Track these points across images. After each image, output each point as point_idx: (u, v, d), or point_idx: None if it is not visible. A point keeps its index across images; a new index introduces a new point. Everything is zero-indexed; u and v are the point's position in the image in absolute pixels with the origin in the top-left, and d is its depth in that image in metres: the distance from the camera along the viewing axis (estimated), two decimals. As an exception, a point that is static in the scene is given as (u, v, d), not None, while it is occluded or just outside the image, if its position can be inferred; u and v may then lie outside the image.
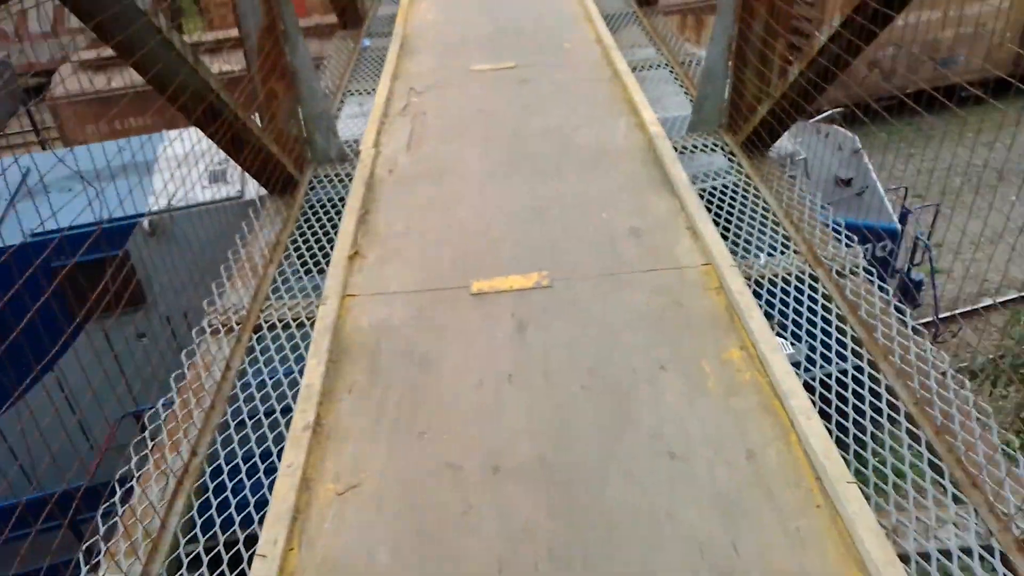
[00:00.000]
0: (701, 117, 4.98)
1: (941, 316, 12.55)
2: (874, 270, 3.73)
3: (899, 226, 10.77)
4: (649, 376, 3.11)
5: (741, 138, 4.73)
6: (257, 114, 4.58)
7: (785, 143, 10.62)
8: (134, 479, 2.73)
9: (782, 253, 3.88)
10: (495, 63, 6.24)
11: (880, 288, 3.63)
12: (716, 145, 4.90)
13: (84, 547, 2.40)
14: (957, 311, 13.91)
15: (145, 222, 6.46)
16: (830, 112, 15.81)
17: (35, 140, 15.24)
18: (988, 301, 14.21)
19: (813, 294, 3.59)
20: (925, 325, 13.30)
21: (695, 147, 4.89)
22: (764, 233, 4.07)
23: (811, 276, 3.70)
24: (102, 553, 2.46)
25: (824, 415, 2.91)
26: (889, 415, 2.95)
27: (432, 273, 3.77)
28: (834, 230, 4.04)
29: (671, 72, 6.23)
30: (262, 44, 4.31)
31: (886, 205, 11.30)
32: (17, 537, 2.25)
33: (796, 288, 3.63)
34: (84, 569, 2.38)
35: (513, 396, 3.04)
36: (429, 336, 3.37)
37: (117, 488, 2.65)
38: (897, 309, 3.47)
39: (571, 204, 4.31)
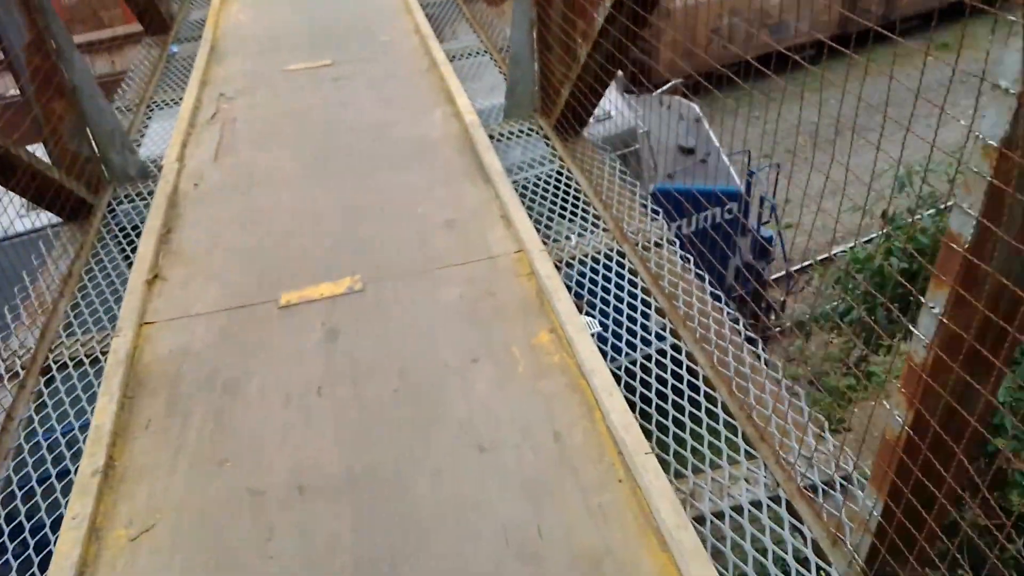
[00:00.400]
0: (514, 102, 5.03)
1: (796, 268, 13.39)
2: (677, 241, 3.91)
3: (741, 188, 11.36)
4: (460, 369, 3.11)
5: (552, 120, 4.82)
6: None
7: (626, 118, 10.93)
8: None
9: (591, 233, 3.98)
10: (310, 61, 6.04)
11: (682, 258, 3.80)
12: (531, 130, 4.96)
13: None
14: (808, 262, 14.70)
15: None
16: (672, 83, 16.47)
17: None
18: (838, 249, 15.28)
19: (620, 270, 3.71)
20: (780, 278, 14.09)
21: (511, 133, 4.93)
22: (576, 215, 4.16)
23: (619, 252, 3.82)
24: None
25: (633, 389, 3.02)
26: (689, 381, 3.10)
27: (238, 290, 3.61)
28: (642, 205, 4.19)
29: (492, 59, 6.26)
30: (30, 61, 3.96)
31: (729, 170, 11.88)
32: None
33: (604, 265, 3.74)
34: None
35: (321, 409, 2.97)
36: (234, 358, 3.23)
37: None
38: (698, 276, 3.65)
39: (387, 201, 4.25)
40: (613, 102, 10.49)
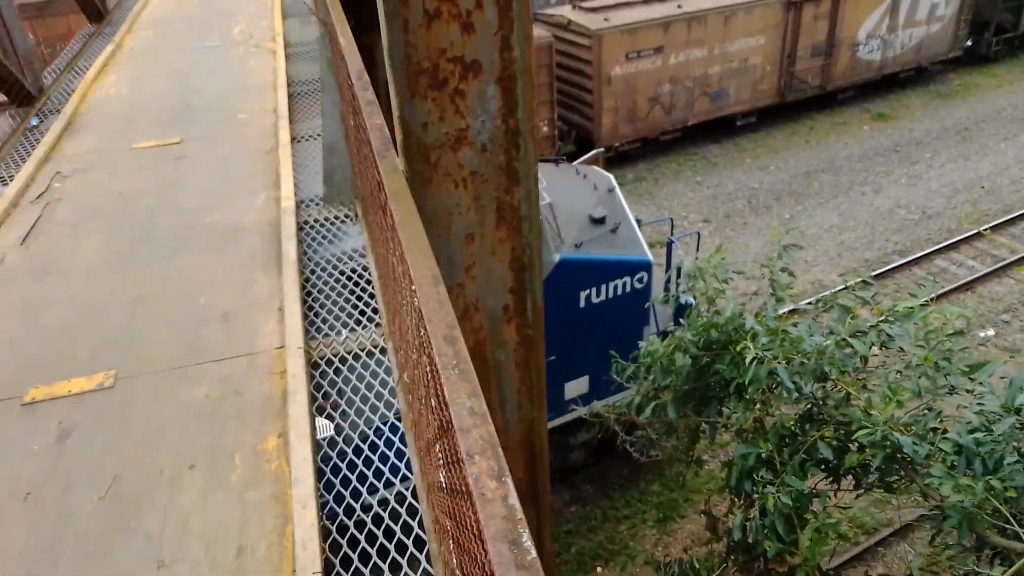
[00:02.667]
0: (332, 189, 5.11)
1: None
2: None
3: (650, 258, 11.52)
4: (174, 476, 3.09)
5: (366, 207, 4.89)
6: None
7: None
8: None
9: (364, 329, 4.01)
10: (160, 139, 6.12)
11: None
12: (348, 216, 5.04)
13: None
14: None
15: None
16: (594, 152, 16.86)
17: None
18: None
19: (377, 368, 3.74)
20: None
21: (326, 219, 5.00)
22: (356, 308, 4.19)
23: (381, 349, 3.85)
24: None
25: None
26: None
27: (-15, 386, 3.58)
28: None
29: (347, 139, 6.37)
30: None
31: (639, 239, 12.06)
32: None
33: (363, 364, 3.77)
34: None
35: (19, 518, 2.92)
36: (-48, 461, 3.18)
37: None
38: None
39: (174, 291, 4.26)
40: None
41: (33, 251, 4.70)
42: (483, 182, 2.80)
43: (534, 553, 1.10)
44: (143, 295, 4.24)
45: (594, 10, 22.06)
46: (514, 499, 1.20)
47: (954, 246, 16.98)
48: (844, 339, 3.69)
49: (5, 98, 6.87)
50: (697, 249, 14.02)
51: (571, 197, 12.18)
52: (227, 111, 6.69)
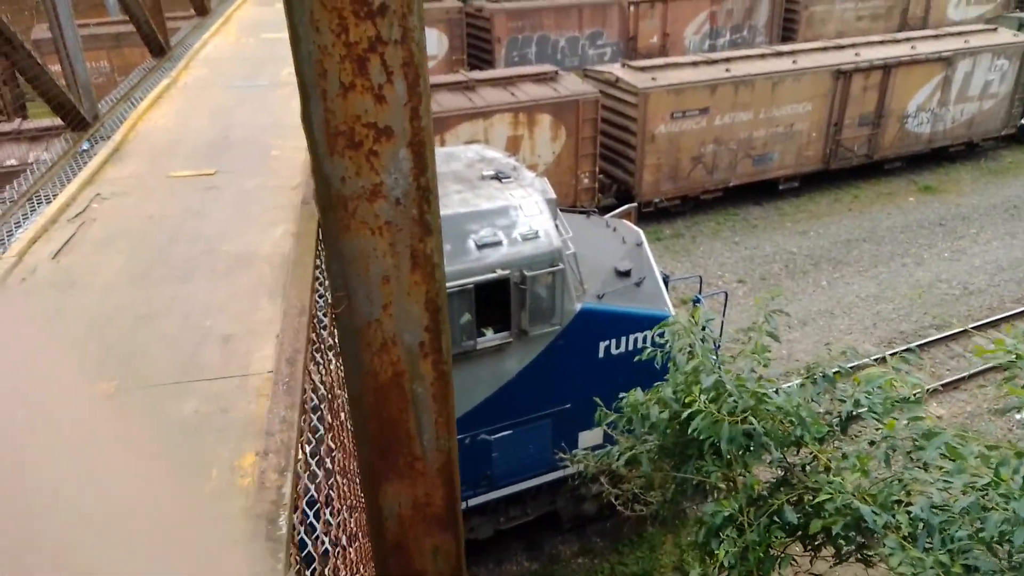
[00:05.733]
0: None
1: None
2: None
3: (672, 313, 11.58)
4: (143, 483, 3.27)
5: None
6: None
7: (552, 239, 11.30)
8: None
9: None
10: (196, 170, 6.50)
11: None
12: (357, 253, 5.27)
13: None
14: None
15: None
16: (626, 207, 17.06)
17: None
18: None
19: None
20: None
21: (336, 255, 5.24)
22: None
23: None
24: None
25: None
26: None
27: (-6, 386, 3.84)
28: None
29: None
30: None
31: (663, 294, 12.13)
32: None
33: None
34: None
35: None
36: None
37: None
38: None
39: (181, 312, 4.52)
40: (541, 224, 10.90)
41: (62, 265, 5.03)
42: (398, 231, 3.03)
43: (284, 530, 1.25)
44: (152, 313, 4.51)
45: (643, 69, 22.51)
46: (288, 489, 1.36)
47: (994, 324, 16.56)
48: (818, 407, 3.73)
49: (62, 123, 7.39)
50: (725, 309, 13.96)
51: (598, 249, 12.34)
52: (263, 146, 7.07)
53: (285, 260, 5.06)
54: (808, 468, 3.97)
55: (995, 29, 26.99)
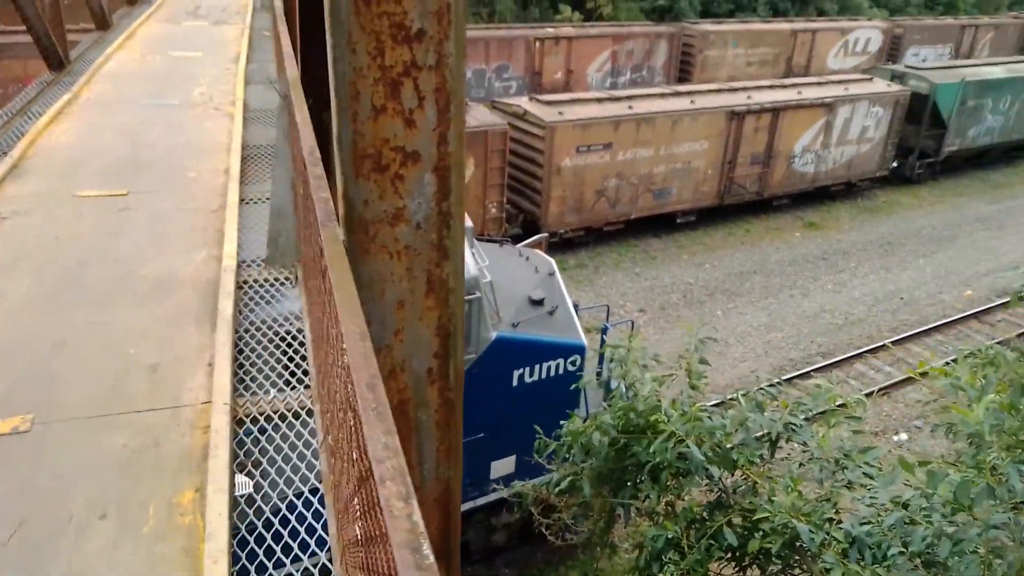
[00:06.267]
0: (276, 251, 5.22)
1: None
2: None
3: (584, 342, 11.76)
4: (83, 525, 3.04)
5: (306, 273, 5.00)
6: None
7: (470, 268, 11.31)
8: None
9: (291, 388, 4.06)
10: (106, 189, 6.15)
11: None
12: (288, 279, 5.13)
13: None
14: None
15: None
16: (538, 237, 17.35)
17: None
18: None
19: (302, 429, 3.78)
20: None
21: (266, 280, 5.08)
22: (287, 369, 4.25)
23: (308, 411, 3.90)
24: None
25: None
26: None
27: None
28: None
29: (295, 204, 6.51)
30: None
31: (575, 323, 12.32)
32: None
33: (288, 424, 3.81)
34: None
35: (-93, 561, 2.83)
36: None
37: None
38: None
39: (99, 339, 4.25)
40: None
41: (-40, 289, 4.63)
42: (416, 255, 3.00)
43: (432, 559, 1.23)
44: (66, 340, 4.21)
45: (550, 103, 23.07)
46: (418, 517, 1.33)
47: (873, 351, 17.79)
48: (749, 430, 3.91)
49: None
50: (630, 337, 14.34)
51: (512, 278, 12.46)
52: (177, 168, 6.78)
53: (211, 286, 4.86)
54: (741, 490, 4.14)
55: (871, 79, 29.46)
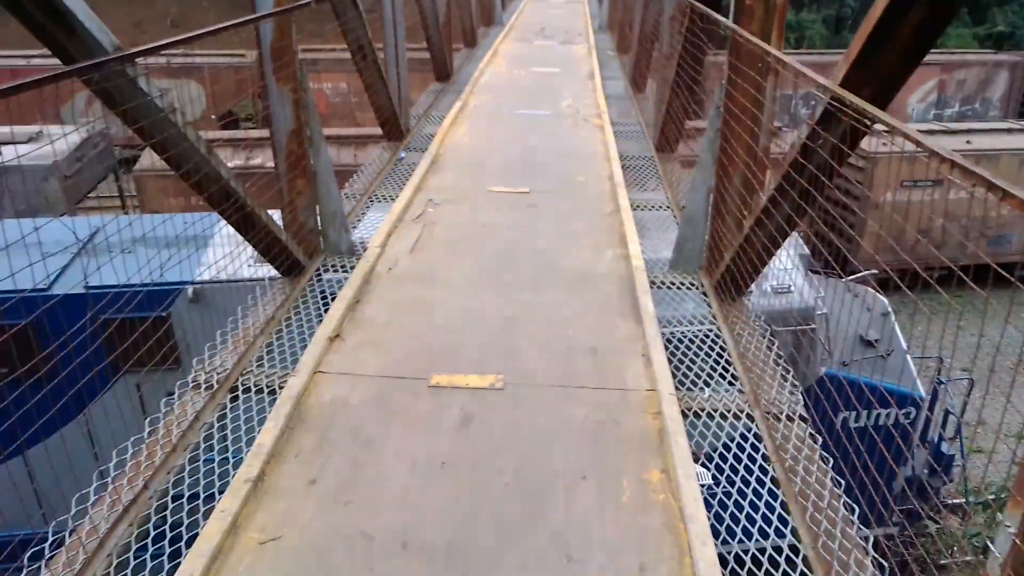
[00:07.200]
0: (681, 257, 5.37)
1: (978, 499, 12.13)
2: (809, 419, 3.95)
3: (923, 394, 10.73)
4: (569, 482, 3.35)
5: (714, 281, 5.09)
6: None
7: (805, 296, 10.89)
8: (88, 502, 3.06)
9: (725, 391, 4.13)
10: (512, 187, 6.82)
11: (811, 436, 3.85)
12: (692, 284, 5.26)
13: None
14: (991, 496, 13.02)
15: (189, 290, 7.09)
16: (864, 274, 16.10)
17: (119, 205, 16.57)
18: None
19: (746, 432, 3.82)
20: (954, 507, 12.78)
21: (672, 283, 5.26)
22: (715, 371, 4.34)
23: (748, 415, 3.94)
24: (43, 562, 2.77)
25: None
26: (788, 556, 3.13)
27: (399, 363, 4.13)
28: (782, 376, 4.30)
29: (673, 216, 6.70)
30: (288, 144, 4.92)
31: (911, 372, 11.29)
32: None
33: (731, 424, 3.87)
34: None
35: (440, 482, 3.31)
36: (380, 419, 3.69)
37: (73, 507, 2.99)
38: (823, 458, 3.69)
39: (541, 318, 4.68)
40: (795, 279, 10.55)
41: (419, 260, 5.40)
42: None
43: None
44: (514, 316, 4.70)
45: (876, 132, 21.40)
46: None
47: None
48: None
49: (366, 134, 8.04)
50: (968, 397, 12.81)
51: (843, 314, 11.71)
52: (566, 172, 7.32)
53: (625, 282, 5.14)
54: None
55: None
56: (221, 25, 4.18)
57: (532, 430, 3.68)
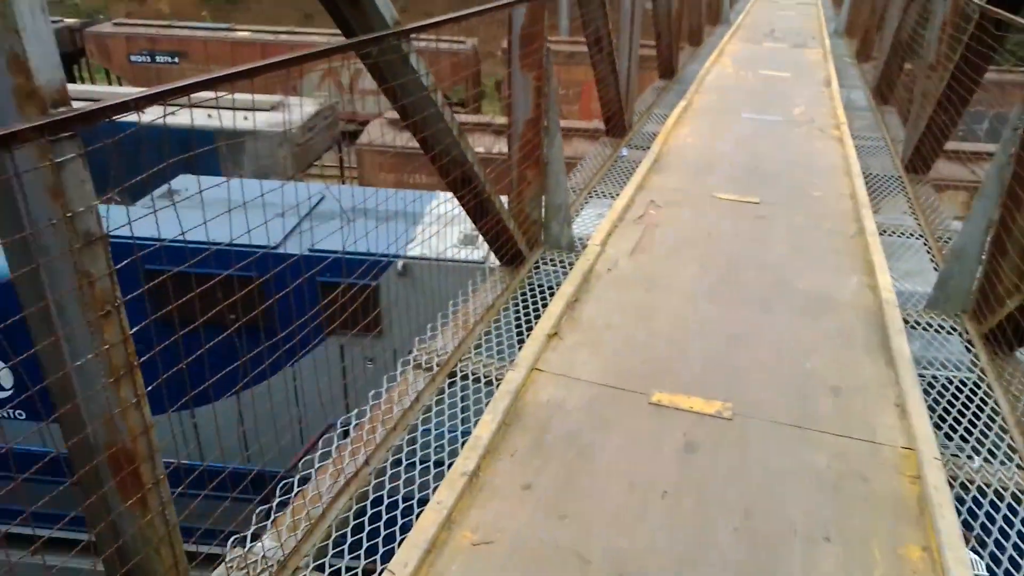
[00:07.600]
0: (942, 295, 4.68)
1: None
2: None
3: None
4: (808, 541, 2.95)
5: (985, 328, 4.37)
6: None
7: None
8: (314, 470, 3.11)
9: (1002, 464, 3.49)
10: (739, 195, 6.34)
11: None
12: (954, 329, 4.56)
13: (258, 512, 2.79)
14: None
15: (399, 263, 7.37)
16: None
17: (338, 175, 17.93)
18: None
19: (1030, 516, 3.19)
20: None
21: (929, 325, 4.59)
22: (986, 437, 3.69)
23: (1030, 496, 3.29)
24: (270, 521, 2.83)
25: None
26: None
27: (618, 372, 3.90)
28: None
29: (925, 244, 5.92)
30: (525, 133, 4.82)
31: None
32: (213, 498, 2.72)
33: (1009, 506, 3.25)
34: (250, 529, 2.76)
35: (661, 512, 3.04)
36: (597, 429, 3.48)
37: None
38: None
39: (770, 342, 4.24)
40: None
41: (639, 263, 5.13)
42: None
43: None
44: (740, 336, 4.30)
45: None
46: None
47: None
48: None
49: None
50: None
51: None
52: (800, 184, 6.71)
53: (873, 316, 4.55)
54: None
55: None
56: (479, 8, 4.14)
57: (764, 472, 3.30)
